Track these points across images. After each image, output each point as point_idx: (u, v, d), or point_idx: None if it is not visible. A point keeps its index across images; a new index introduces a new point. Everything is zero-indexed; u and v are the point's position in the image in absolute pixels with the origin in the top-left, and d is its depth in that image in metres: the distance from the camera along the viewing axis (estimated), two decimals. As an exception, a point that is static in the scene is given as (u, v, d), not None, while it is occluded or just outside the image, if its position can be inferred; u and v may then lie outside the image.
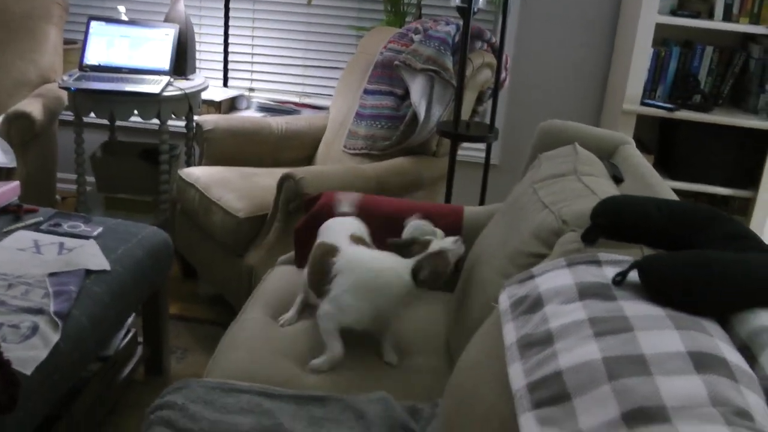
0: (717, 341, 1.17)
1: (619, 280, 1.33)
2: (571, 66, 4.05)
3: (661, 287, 1.29)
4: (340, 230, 2.03)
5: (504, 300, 1.47)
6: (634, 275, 1.33)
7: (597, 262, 1.42)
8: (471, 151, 4.14)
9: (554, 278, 1.41)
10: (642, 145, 3.84)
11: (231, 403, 1.71)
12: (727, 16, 3.48)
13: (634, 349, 1.13)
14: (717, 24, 3.48)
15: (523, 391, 1.20)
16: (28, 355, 1.82)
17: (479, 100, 3.39)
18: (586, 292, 1.32)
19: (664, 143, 3.87)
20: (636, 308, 1.24)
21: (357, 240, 1.97)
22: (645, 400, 1.02)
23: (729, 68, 3.67)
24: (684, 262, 1.31)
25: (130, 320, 2.66)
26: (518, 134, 4.14)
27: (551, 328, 1.27)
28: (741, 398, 1.04)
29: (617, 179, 2.10)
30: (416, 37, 3.31)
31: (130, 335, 2.64)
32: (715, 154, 3.64)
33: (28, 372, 1.79)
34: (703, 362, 1.09)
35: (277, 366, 1.90)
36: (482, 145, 3.96)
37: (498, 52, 3.10)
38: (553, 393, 1.14)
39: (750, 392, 1.07)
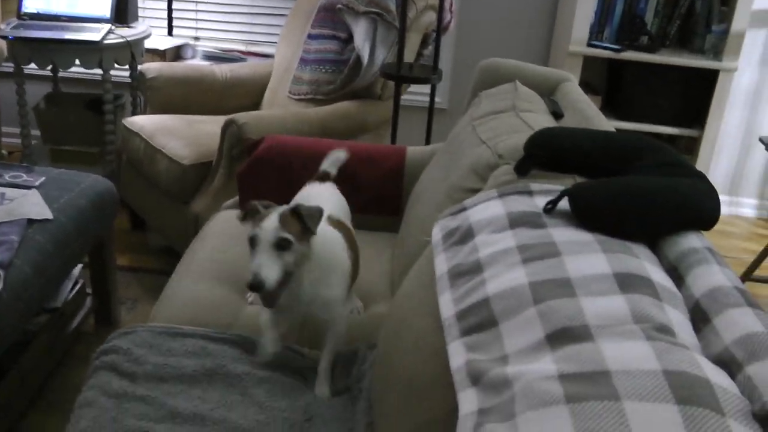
0: (644, 262, 1.20)
1: (550, 208, 1.35)
2: (518, 8, 4.05)
3: (590, 214, 1.31)
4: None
5: (437, 233, 1.49)
6: (565, 204, 1.35)
7: (529, 192, 1.44)
8: (418, 96, 4.13)
9: (485, 209, 1.43)
10: (589, 87, 3.87)
11: (176, 346, 1.71)
12: (672, -44, 3.49)
13: (560, 273, 1.15)
14: (661, -37, 3.49)
15: (452, 320, 1.22)
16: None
17: (424, 42, 3.37)
18: (516, 221, 1.34)
19: (611, 85, 3.90)
20: (565, 234, 1.27)
21: (336, 224, 1.80)
22: (568, 321, 1.04)
23: (675, 9, 3.68)
24: (613, 188, 1.33)
25: (77, 272, 2.65)
26: (465, 77, 4.13)
27: (480, 257, 1.29)
28: (663, 315, 1.06)
29: (557, 115, 2.11)
30: (359, -21, 3.28)
31: (78, 287, 2.62)
32: (661, 94, 3.68)
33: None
34: (627, 282, 1.12)
35: (221, 310, 1.91)
36: (429, 89, 3.95)
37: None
38: (480, 320, 1.16)
39: (673, 309, 1.10)
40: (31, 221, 2.21)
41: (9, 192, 2.34)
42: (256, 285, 1.45)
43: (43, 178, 2.48)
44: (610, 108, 3.81)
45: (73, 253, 2.31)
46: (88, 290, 2.73)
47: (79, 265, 2.65)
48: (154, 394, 1.56)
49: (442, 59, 4.03)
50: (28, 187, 2.40)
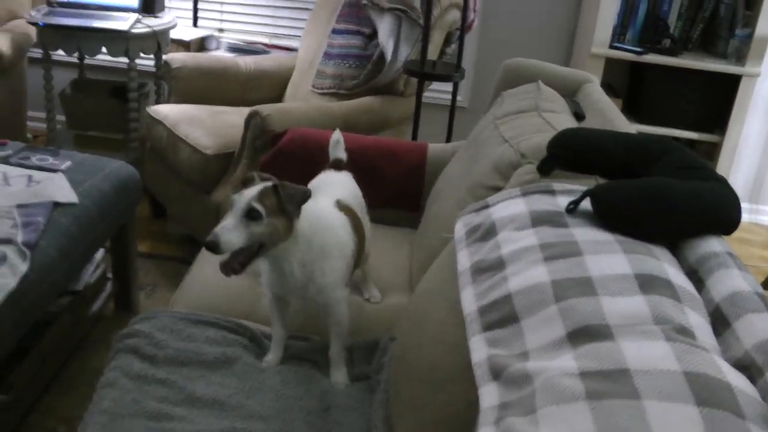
0: (664, 264, 1.21)
1: (572, 208, 1.37)
2: (541, 9, 4.06)
3: (612, 215, 1.32)
4: (330, 192, 1.87)
5: (459, 228, 1.51)
6: (587, 204, 1.37)
7: (551, 192, 1.46)
8: (440, 93, 4.14)
9: (508, 207, 1.44)
10: (611, 90, 3.88)
11: (196, 333, 1.74)
12: (697, -41, 3.49)
13: (581, 272, 1.17)
14: (687, -33, 3.49)
15: (474, 315, 1.24)
16: (-1, 284, 1.84)
17: (447, 41, 3.39)
18: (538, 220, 1.35)
19: (633, 87, 3.90)
20: (586, 234, 1.28)
21: (343, 207, 1.80)
22: (589, 319, 1.06)
23: (699, 12, 3.68)
24: (635, 190, 1.35)
25: (99, 256, 2.68)
26: (488, 77, 4.15)
27: (503, 254, 1.31)
28: (683, 317, 1.08)
29: (579, 116, 2.13)
30: (385, -24, 3.30)
31: (99, 271, 2.66)
32: (683, 98, 3.68)
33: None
34: (648, 283, 1.13)
35: (240, 299, 1.94)
36: (451, 87, 3.97)
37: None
38: (502, 315, 1.18)
39: (693, 312, 1.11)
40: (56, 204, 2.24)
41: (36, 174, 2.37)
42: (211, 245, 1.44)
43: (69, 162, 2.51)
44: (631, 111, 3.81)
45: (96, 237, 2.34)
46: (109, 275, 2.77)
47: (101, 250, 2.68)
48: (174, 378, 1.59)
49: (465, 58, 4.04)
50: (54, 171, 2.44)
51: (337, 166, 2.03)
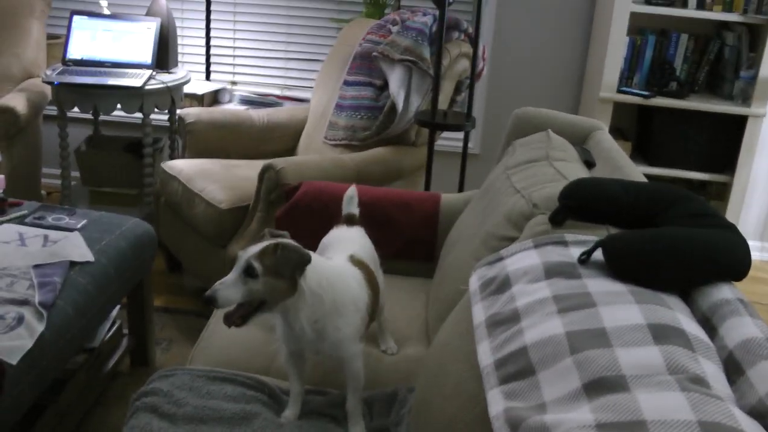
0: (677, 314, 1.22)
1: (584, 258, 1.38)
2: (549, 55, 4.11)
3: (623, 265, 1.33)
4: (343, 248, 1.89)
5: (474, 282, 1.52)
6: (599, 254, 1.38)
7: (563, 243, 1.47)
8: (451, 141, 4.19)
9: (522, 259, 1.46)
10: (620, 133, 3.91)
11: (215, 390, 1.75)
12: (701, 4, 3.54)
13: (595, 323, 1.17)
14: (691, 12, 3.54)
15: (490, 368, 1.24)
16: (13, 345, 1.86)
17: (458, 89, 3.43)
18: (551, 271, 1.36)
19: (642, 130, 3.93)
20: (599, 285, 1.29)
21: (356, 262, 1.82)
22: (605, 371, 1.07)
23: (704, 55, 3.73)
24: (646, 239, 1.36)
25: (115, 312, 2.70)
26: (498, 123, 4.19)
27: (518, 307, 1.32)
28: (697, 366, 1.08)
29: (589, 164, 2.15)
30: (394, 29, 3.35)
31: (115, 327, 2.67)
32: (691, 140, 3.70)
33: (14, 361, 1.82)
34: (661, 333, 1.14)
35: (257, 354, 1.95)
36: (462, 135, 4.01)
37: (473, 42, 3.14)
38: (518, 368, 1.19)
39: (707, 361, 1.11)
40: (73, 263, 2.26)
41: (52, 234, 2.40)
42: (209, 299, 1.48)
43: (85, 221, 2.54)
44: (640, 153, 3.83)
45: (112, 295, 2.36)
46: (125, 330, 2.78)
47: (117, 306, 2.70)
48: (193, 436, 1.59)
49: (475, 105, 4.09)
50: (71, 230, 2.46)
51: (350, 221, 2.05)
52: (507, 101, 4.17)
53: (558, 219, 1.57)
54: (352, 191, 2.07)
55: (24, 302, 2.01)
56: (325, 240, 1.96)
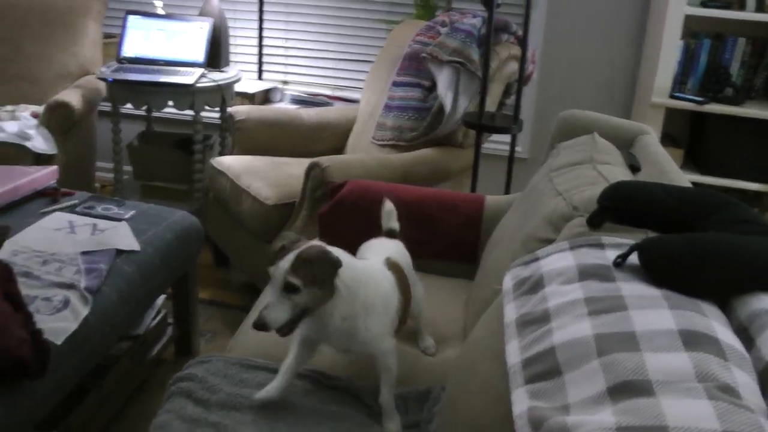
0: (711, 321, 1.19)
1: (620, 262, 1.36)
2: (601, 59, 4.06)
3: (660, 268, 1.31)
4: (381, 253, 1.91)
5: (507, 281, 1.51)
6: (635, 258, 1.36)
7: (600, 245, 1.45)
8: (500, 144, 4.17)
9: (557, 260, 1.44)
10: (671, 140, 3.84)
11: (248, 378, 1.77)
12: (761, 7, 3.43)
13: (626, 327, 1.16)
14: (750, 15, 3.43)
15: (517, 367, 1.24)
16: (59, 327, 1.92)
17: (507, 92, 3.41)
18: (585, 273, 1.35)
19: (694, 138, 3.86)
20: (633, 289, 1.27)
21: (392, 265, 1.84)
22: (631, 374, 1.05)
23: (762, 60, 3.64)
24: (685, 243, 1.33)
25: (161, 302, 2.75)
26: (547, 128, 4.16)
27: (549, 307, 1.31)
28: (728, 375, 1.06)
29: (635, 168, 2.12)
30: (443, 30, 3.36)
31: (160, 316, 2.73)
32: (746, 148, 3.62)
33: (59, 342, 1.88)
34: (693, 340, 1.12)
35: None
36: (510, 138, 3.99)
37: (522, 44, 3.13)
38: (545, 368, 1.18)
39: (740, 371, 1.09)
40: (119, 252, 2.32)
41: (101, 223, 2.46)
42: (260, 325, 1.50)
43: (133, 212, 2.60)
44: (692, 162, 3.76)
45: (157, 284, 2.41)
46: (170, 320, 2.83)
47: (163, 296, 2.75)
48: (225, 422, 1.62)
49: (524, 109, 4.07)
50: (119, 220, 2.52)
51: (391, 235, 2.06)
52: (557, 105, 4.14)
53: (596, 221, 1.55)
54: (389, 207, 2.09)
55: (71, 286, 2.06)
56: (364, 247, 1.98)
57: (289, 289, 1.50)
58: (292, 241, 1.58)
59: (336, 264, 1.55)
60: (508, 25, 3.32)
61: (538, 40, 4.03)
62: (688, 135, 3.91)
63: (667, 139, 3.81)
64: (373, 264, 1.79)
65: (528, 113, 4.15)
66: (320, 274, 1.53)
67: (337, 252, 1.59)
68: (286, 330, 1.55)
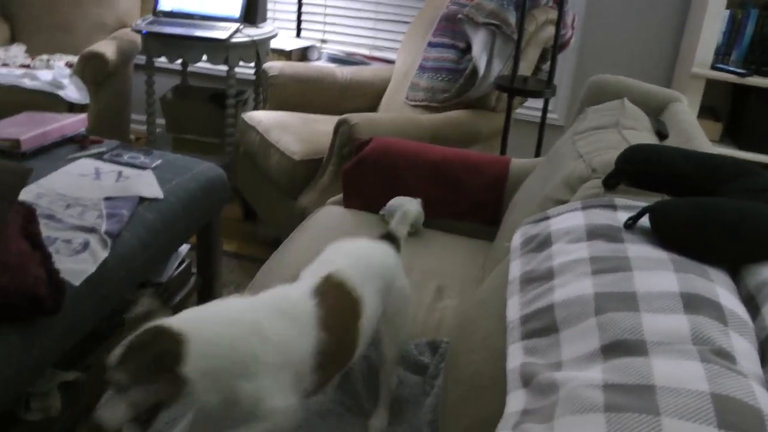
0: (716, 287, 1.17)
1: (630, 224, 1.34)
2: (643, 27, 3.97)
3: (669, 232, 1.28)
4: (329, 265, 1.50)
5: (516, 238, 1.50)
6: (647, 221, 1.34)
7: (612, 207, 1.43)
8: (535, 111, 4.11)
9: (567, 219, 1.43)
10: (711, 112, 3.76)
11: None
12: (810, -22, 3.35)
13: (627, 287, 1.14)
14: (799, -15, 3.35)
15: (515, 323, 1.23)
16: (77, 268, 1.95)
17: (543, 57, 3.36)
18: (594, 233, 1.33)
19: (735, 112, 3.77)
20: (640, 250, 1.25)
21: (330, 288, 1.44)
22: (626, 334, 1.04)
23: (811, 33, 3.54)
24: (696, 208, 1.30)
25: (185, 251, 2.78)
26: (586, 95, 4.09)
27: (553, 265, 1.29)
28: (725, 340, 1.04)
29: (662, 135, 2.08)
30: (480, -10, 3.31)
31: (184, 265, 2.75)
32: (790, 124, 3.53)
33: (77, 283, 1.91)
34: (693, 303, 1.10)
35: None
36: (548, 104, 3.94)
37: (559, 8, 3.07)
38: (542, 325, 1.17)
39: (738, 336, 1.07)
40: (142, 199, 2.34)
41: (126, 171, 2.49)
42: (93, 428, 1.19)
43: (159, 161, 2.62)
44: (731, 136, 3.68)
45: (178, 233, 2.43)
46: (194, 270, 2.86)
47: (188, 246, 2.78)
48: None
49: (563, 75, 4.01)
50: (144, 168, 2.54)
51: (386, 238, 1.69)
52: (596, 72, 4.05)
53: (611, 183, 1.53)
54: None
55: (91, 230, 2.09)
56: (328, 249, 1.59)
57: (119, 386, 1.17)
58: (145, 313, 1.26)
59: (175, 354, 1.18)
60: (547, -13, 3.26)
61: (580, 6, 3.95)
62: (729, 108, 3.82)
63: (707, 112, 3.73)
64: (265, 306, 1.37)
65: (565, 80, 4.09)
66: (157, 365, 1.17)
67: (195, 322, 1.25)
68: (139, 430, 1.21)
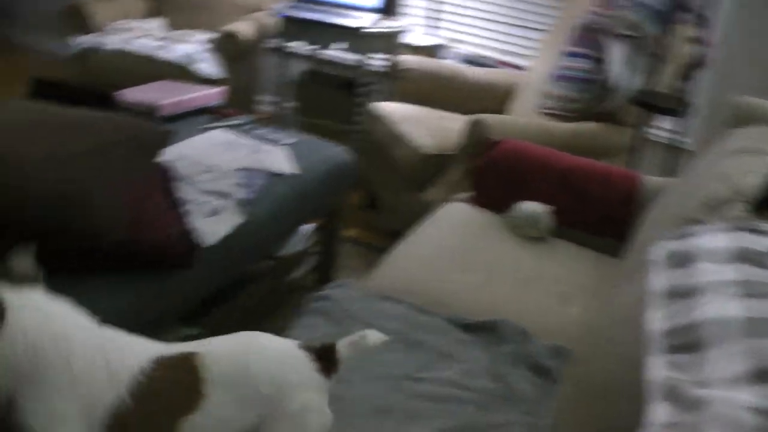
0: None
1: (779, 250, 1.32)
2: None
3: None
4: None
5: (656, 252, 1.49)
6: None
7: (758, 231, 1.41)
8: (663, 132, 4.01)
9: (712, 239, 1.41)
10: None
11: (385, 308, 1.82)
12: None
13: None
14: None
15: (656, 335, 1.22)
16: (210, 229, 2.04)
17: (682, 75, 3.28)
18: (740, 256, 1.31)
19: None
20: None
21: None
22: (776, 362, 1.03)
23: None
24: None
25: (308, 231, 2.86)
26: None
27: (698, 283, 1.28)
28: None
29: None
30: (622, 2, 3.26)
31: (305, 245, 2.83)
32: None
33: (209, 243, 2.00)
34: None
35: (430, 287, 2.00)
36: (683, 127, 3.83)
37: (703, 26, 2.99)
38: (687, 341, 1.16)
39: None
40: (275, 174, 2.41)
41: (260, 145, 2.56)
42: None
43: (295, 140, 2.69)
44: None
45: (305, 211, 2.50)
46: (314, 251, 2.93)
47: (310, 226, 2.84)
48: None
49: (701, 97, 3.89)
50: (278, 144, 2.62)
51: (321, 351, 1.36)
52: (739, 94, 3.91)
53: (760, 207, 1.50)
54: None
55: (226, 195, 2.17)
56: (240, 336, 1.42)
57: None
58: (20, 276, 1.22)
59: None
60: (691, 4, 3.18)
61: (727, 24, 3.81)
62: None
63: None
64: (105, 338, 1.26)
65: (703, 102, 3.95)
66: None
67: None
68: None
